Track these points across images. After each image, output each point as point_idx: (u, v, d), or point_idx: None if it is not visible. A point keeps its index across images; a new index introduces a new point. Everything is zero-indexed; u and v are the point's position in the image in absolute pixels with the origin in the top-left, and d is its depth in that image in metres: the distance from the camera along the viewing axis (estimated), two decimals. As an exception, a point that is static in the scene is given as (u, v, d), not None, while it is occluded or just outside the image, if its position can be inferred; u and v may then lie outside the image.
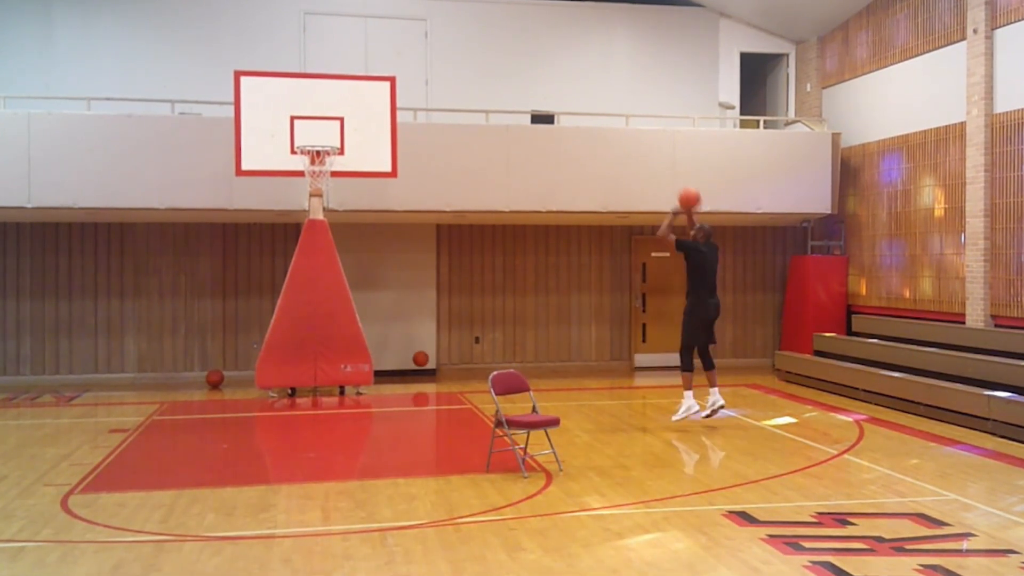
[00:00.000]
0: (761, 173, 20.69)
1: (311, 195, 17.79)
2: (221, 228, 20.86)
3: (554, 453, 11.63)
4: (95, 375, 20.43)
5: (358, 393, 18.34)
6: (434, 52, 21.82)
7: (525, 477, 11.14)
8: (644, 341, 22.76)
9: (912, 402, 15.94)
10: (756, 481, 11.00)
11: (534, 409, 11.81)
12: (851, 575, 7.69)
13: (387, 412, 17.23)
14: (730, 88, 23.20)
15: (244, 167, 17.48)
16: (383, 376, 19.76)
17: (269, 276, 20.94)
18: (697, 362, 14.50)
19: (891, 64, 19.97)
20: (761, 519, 9.36)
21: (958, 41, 17.96)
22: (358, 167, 17.96)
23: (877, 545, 8.50)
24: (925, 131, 18.97)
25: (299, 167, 17.58)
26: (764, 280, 23.35)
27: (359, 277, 20.31)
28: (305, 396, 18.11)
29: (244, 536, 8.91)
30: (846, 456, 12.56)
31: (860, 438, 13.83)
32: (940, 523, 9.23)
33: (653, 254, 22.73)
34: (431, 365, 21.46)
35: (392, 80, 18.20)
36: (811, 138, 21.28)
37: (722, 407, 14.34)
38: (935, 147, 18.70)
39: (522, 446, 11.65)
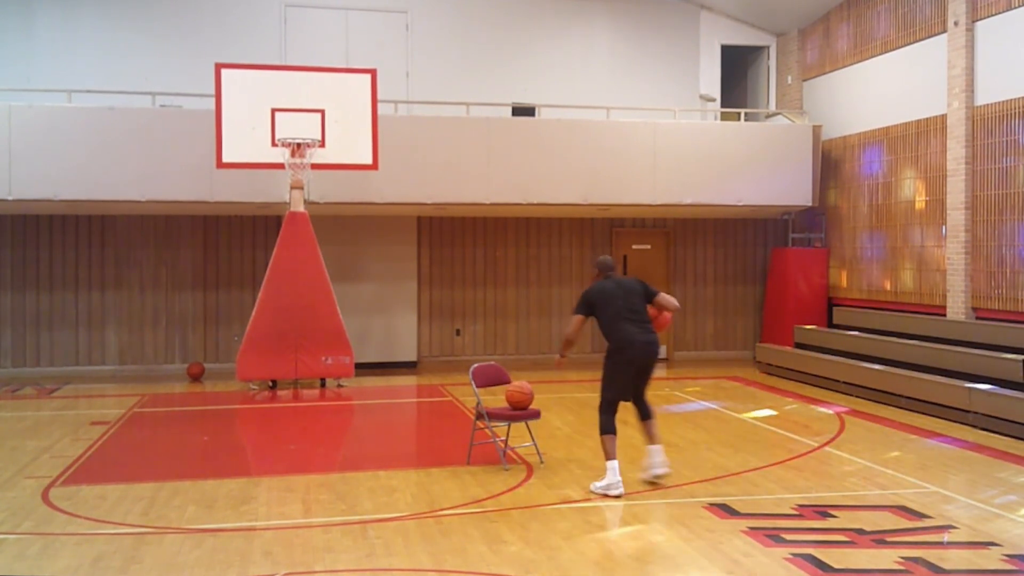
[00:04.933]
0: (742, 166, 20.71)
1: (292, 187, 17.75)
2: (202, 220, 20.79)
3: (535, 445, 11.64)
4: (76, 367, 20.38)
5: (339, 385, 18.32)
6: (415, 45, 21.77)
7: (506, 469, 11.15)
8: (625, 333, 22.73)
9: (893, 394, 15.99)
10: (737, 473, 11.02)
11: (515, 401, 11.81)
12: (832, 567, 7.71)
13: (368, 404, 17.22)
14: (711, 80, 23.23)
15: (225, 159, 17.42)
16: (364, 368, 19.75)
17: (250, 268, 20.90)
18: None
19: (872, 56, 20.00)
20: (742, 511, 9.38)
21: (939, 33, 18.00)
22: (339, 159, 17.94)
23: (858, 537, 8.53)
24: (906, 123, 19.02)
25: (280, 159, 17.53)
26: (745, 272, 23.39)
27: (340, 269, 20.28)
28: (286, 388, 18.08)
29: (225, 528, 8.89)
30: (827, 448, 12.60)
31: (841, 430, 13.87)
32: (921, 515, 9.27)
33: (634, 246, 22.73)
34: (411, 357, 21.46)
35: (373, 73, 18.17)
36: (792, 130, 21.31)
37: (666, 473, 10.64)
38: (916, 139, 18.75)
39: (503, 438, 11.65)
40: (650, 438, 10.62)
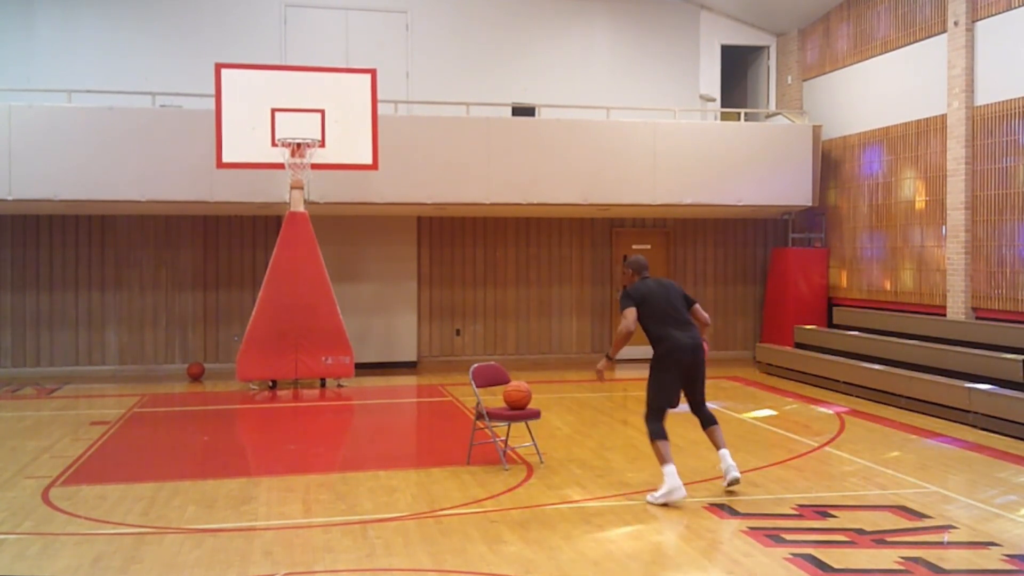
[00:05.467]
0: (742, 166, 20.71)
1: (292, 187, 17.75)
2: (202, 220, 20.79)
3: (535, 445, 11.63)
4: (76, 367, 20.38)
5: (339, 385, 18.32)
6: (415, 45, 21.77)
7: (506, 469, 11.14)
8: (625, 333, 22.71)
9: (893, 394, 15.98)
10: (737, 473, 11.02)
11: (515, 401, 11.79)
12: (832, 567, 7.71)
13: (368, 404, 17.21)
14: (711, 80, 23.23)
15: (225, 159, 17.42)
16: (364, 368, 19.75)
17: (250, 269, 20.90)
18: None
19: (872, 56, 20.00)
20: (742, 511, 9.38)
21: (939, 33, 18.00)
22: (339, 159, 17.93)
23: (858, 537, 8.52)
24: (906, 123, 19.02)
25: (280, 159, 17.53)
26: (745, 272, 23.38)
27: (340, 269, 20.27)
28: (286, 388, 18.08)
29: (225, 528, 8.89)
30: (827, 448, 12.59)
31: (841, 430, 13.87)
32: (921, 515, 9.27)
33: (634, 246, 22.70)
34: (411, 357, 21.46)
35: (373, 73, 18.17)
36: (792, 131, 21.31)
37: (737, 478, 10.14)
38: (916, 139, 18.75)
39: (503, 438, 11.65)
40: (716, 444, 10.19)
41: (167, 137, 18.45)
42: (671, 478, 9.70)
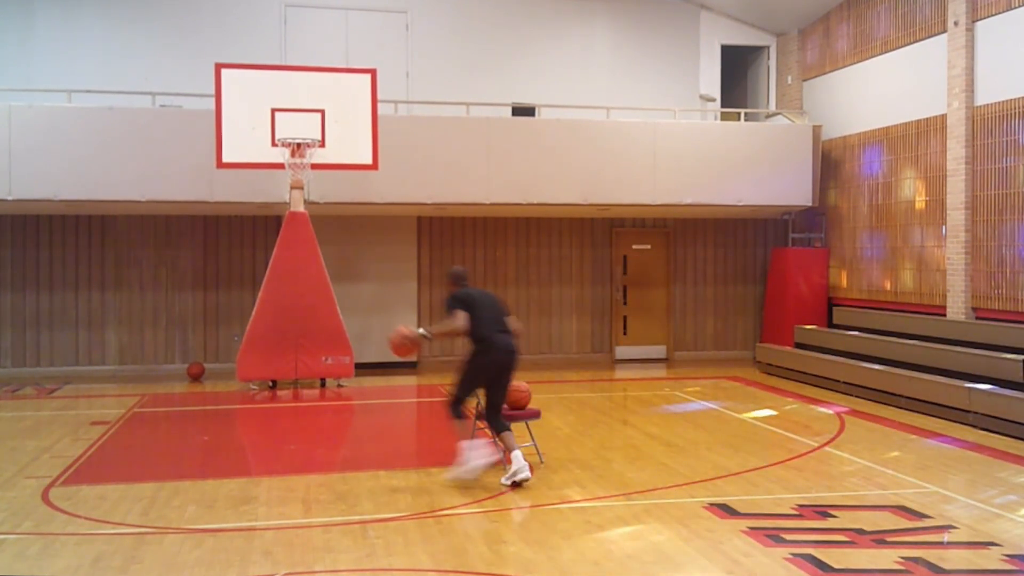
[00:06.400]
0: (742, 166, 20.71)
1: (292, 187, 17.75)
2: (202, 220, 20.78)
3: (535, 446, 11.63)
4: (76, 367, 20.37)
5: (339, 385, 18.32)
6: (415, 45, 21.76)
7: (506, 469, 11.13)
8: (625, 334, 22.75)
9: (893, 394, 15.98)
10: (737, 473, 11.01)
11: (515, 401, 11.80)
12: (832, 567, 7.70)
13: (368, 404, 17.21)
14: (711, 80, 23.22)
15: (225, 159, 17.41)
16: (364, 368, 19.74)
17: (250, 268, 20.89)
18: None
19: (872, 56, 20.00)
20: (742, 511, 9.37)
21: (939, 33, 18.00)
22: (339, 159, 17.93)
23: (858, 537, 8.52)
24: (906, 123, 19.02)
25: (280, 159, 17.53)
26: (745, 272, 23.38)
27: (340, 269, 20.27)
28: (286, 388, 18.07)
29: (225, 528, 8.88)
30: (827, 448, 12.59)
31: (841, 430, 13.86)
32: (921, 515, 9.26)
33: (634, 246, 22.73)
34: (412, 358, 21.45)
35: (373, 73, 18.16)
36: (792, 131, 21.31)
37: (526, 479, 10.43)
38: (916, 139, 18.75)
39: (503, 438, 11.66)
40: (509, 447, 10.54)
41: (167, 137, 18.45)
42: (480, 448, 10.48)
